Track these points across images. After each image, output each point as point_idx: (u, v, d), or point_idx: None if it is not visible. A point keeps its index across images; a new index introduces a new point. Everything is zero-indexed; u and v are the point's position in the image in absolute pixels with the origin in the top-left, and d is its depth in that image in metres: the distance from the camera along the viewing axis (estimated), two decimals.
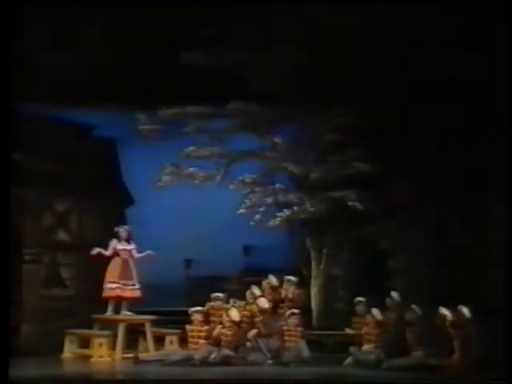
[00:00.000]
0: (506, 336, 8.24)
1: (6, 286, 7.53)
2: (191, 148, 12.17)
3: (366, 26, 10.29)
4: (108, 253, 10.89)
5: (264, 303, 10.30)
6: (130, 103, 11.88)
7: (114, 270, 10.86)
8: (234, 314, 9.98)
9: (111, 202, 13.17)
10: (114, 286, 10.76)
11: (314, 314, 12.02)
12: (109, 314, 10.83)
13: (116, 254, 10.94)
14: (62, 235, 13.08)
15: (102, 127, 12.80)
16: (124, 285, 10.79)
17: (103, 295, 10.86)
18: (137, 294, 10.89)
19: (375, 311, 10.08)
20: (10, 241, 7.56)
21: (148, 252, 10.99)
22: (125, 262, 10.91)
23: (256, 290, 10.63)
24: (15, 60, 8.42)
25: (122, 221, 12.56)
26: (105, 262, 11.23)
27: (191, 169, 12.18)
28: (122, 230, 11.05)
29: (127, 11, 9.95)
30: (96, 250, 10.80)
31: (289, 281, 10.81)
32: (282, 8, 9.80)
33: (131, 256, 10.98)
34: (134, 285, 10.87)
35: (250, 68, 11.39)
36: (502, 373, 7.86)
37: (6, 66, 7.90)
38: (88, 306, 11.47)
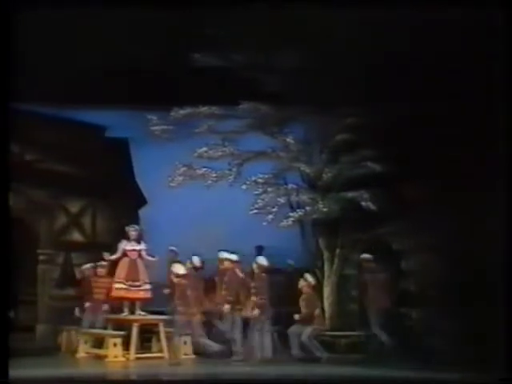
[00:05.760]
0: (506, 336, 8.16)
1: (6, 285, 7.52)
2: (203, 148, 12.17)
3: (378, 23, 10.27)
4: (115, 256, 10.90)
5: (180, 269, 10.32)
6: (142, 104, 11.92)
7: (121, 270, 10.80)
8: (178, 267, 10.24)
9: (124, 202, 13.24)
10: (120, 286, 10.71)
11: (327, 315, 11.99)
12: (124, 314, 10.81)
13: (125, 254, 10.88)
14: (75, 235, 13.17)
15: (115, 128, 12.87)
16: (130, 286, 10.70)
17: (110, 295, 10.89)
18: (143, 294, 10.79)
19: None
20: (10, 239, 7.52)
21: (156, 258, 10.97)
22: (132, 263, 10.81)
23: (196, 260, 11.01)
24: (18, 60, 8.39)
25: (134, 221, 12.61)
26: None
27: (203, 169, 12.18)
28: (132, 230, 10.96)
29: (140, 11, 9.96)
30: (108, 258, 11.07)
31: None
32: (294, 8, 9.78)
33: (140, 256, 10.90)
34: (140, 286, 10.74)
35: (261, 68, 11.41)
36: (502, 373, 7.80)
37: (6, 65, 7.88)
38: None
